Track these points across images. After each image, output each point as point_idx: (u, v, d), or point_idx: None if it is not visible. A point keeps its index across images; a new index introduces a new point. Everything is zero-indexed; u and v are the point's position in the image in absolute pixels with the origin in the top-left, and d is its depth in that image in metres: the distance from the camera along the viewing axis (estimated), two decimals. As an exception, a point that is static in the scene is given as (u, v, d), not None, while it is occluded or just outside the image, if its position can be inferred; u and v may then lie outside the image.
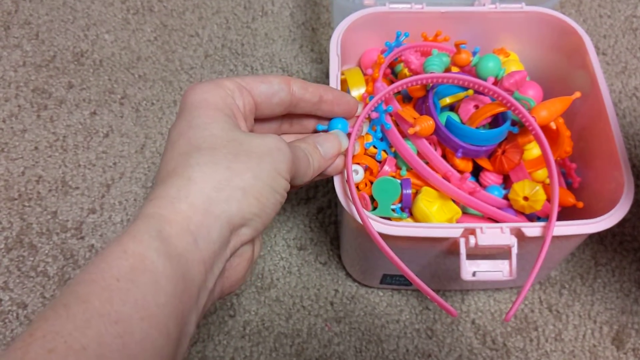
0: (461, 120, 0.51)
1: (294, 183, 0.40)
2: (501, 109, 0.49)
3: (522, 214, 0.52)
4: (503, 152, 0.51)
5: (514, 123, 0.51)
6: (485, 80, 0.53)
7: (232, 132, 0.36)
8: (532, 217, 0.53)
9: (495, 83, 0.54)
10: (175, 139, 0.36)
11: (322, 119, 0.46)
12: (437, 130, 0.50)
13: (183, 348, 0.31)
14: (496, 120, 0.52)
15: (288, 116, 0.45)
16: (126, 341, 0.27)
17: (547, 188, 0.52)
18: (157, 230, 0.31)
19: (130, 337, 0.27)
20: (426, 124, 0.48)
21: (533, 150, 0.53)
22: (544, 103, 0.50)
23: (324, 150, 0.43)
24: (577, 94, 0.50)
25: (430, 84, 0.52)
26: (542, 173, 0.52)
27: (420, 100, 0.54)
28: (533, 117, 0.47)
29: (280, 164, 0.36)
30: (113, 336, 0.26)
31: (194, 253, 0.31)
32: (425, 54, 0.58)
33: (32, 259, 0.63)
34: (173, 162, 0.34)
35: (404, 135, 0.50)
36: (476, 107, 0.50)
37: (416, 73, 0.54)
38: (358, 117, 0.46)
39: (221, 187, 0.33)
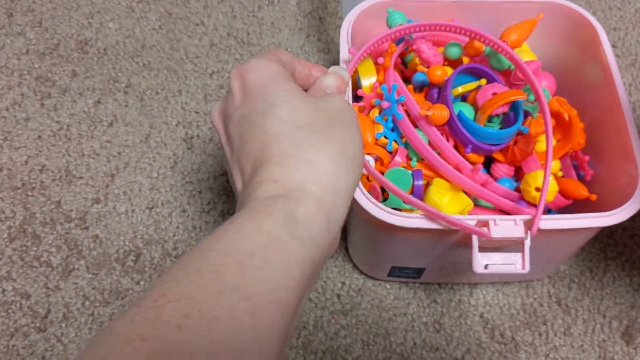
0: (475, 108, 0.50)
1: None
2: (516, 97, 0.48)
3: (534, 206, 0.52)
4: (515, 143, 0.50)
5: (526, 115, 0.51)
6: (495, 71, 0.52)
7: (308, 100, 0.35)
8: (545, 210, 0.53)
9: (509, 73, 0.53)
10: (260, 120, 0.34)
11: None
12: (450, 122, 0.49)
13: (289, 334, 0.30)
14: (508, 119, 0.51)
15: None
16: (257, 322, 0.26)
17: (560, 180, 0.51)
18: (291, 211, 0.30)
19: (260, 318, 0.26)
20: (440, 112, 0.47)
21: (544, 143, 0.52)
22: (512, 27, 0.52)
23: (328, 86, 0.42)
24: (541, 15, 0.52)
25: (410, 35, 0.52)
26: (554, 165, 0.52)
27: (432, 90, 0.53)
28: (504, 41, 0.48)
29: (357, 124, 0.36)
30: (245, 313, 0.26)
31: (325, 237, 0.31)
32: (437, 43, 0.57)
33: (35, 248, 0.62)
34: (274, 143, 0.33)
35: (416, 126, 0.50)
36: (494, 94, 0.49)
37: (427, 63, 0.53)
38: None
39: (339, 163, 0.33)
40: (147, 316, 0.24)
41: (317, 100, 0.35)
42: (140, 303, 0.25)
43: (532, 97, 0.50)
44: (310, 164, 0.32)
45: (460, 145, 0.50)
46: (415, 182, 0.49)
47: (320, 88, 0.40)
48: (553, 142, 0.52)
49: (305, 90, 0.41)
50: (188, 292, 0.25)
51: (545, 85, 0.54)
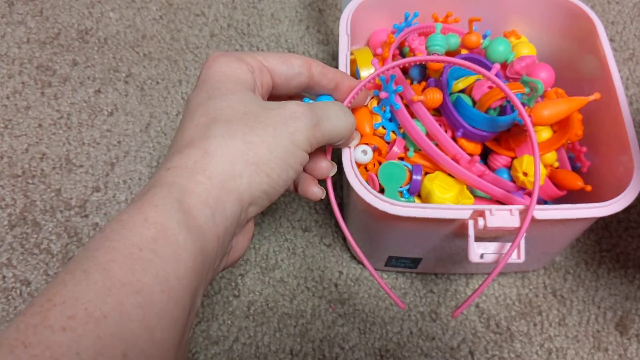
0: (473, 101, 0.51)
1: (335, 144, 0.41)
2: (512, 91, 0.48)
3: (529, 195, 0.52)
4: (509, 131, 0.51)
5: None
6: (493, 63, 0.53)
7: (251, 104, 0.35)
8: (539, 201, 0.53)
9: (505, 66, 0.54)
10: (193, 109, 0.35)
11: None
12: (443, 106, 0.49)
13: (191, 321, 0.31)
14: (505, 111, 0.52)
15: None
16: (146, 312, 0.26)
17: (556, 171, 0.52)
18: (178, 200, 0.30)
19: (150, 308, 0.27)
20: (433, 95, 0.48)
21: (542, 133, 0.53)
22: (547, 102, 0.48)
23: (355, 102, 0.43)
24: (597, 95, 0.49)
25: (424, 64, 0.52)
26: (551, 156, 0.52)
27: (430, 83, 0.53)
28: (530, 116, 0.46)
29: (297, 135, 0.35)
30: (134, 306, 0.26)
31: (211, 227, 0.31)
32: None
33: (35, 236, 0.62)
34: (190, 132, 0.34)
35: (414, 116, 0.50)
36: (490, 88, 0.49)
37: (415, 53, 0.54)
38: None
39: (236, 161, 0.33)
40: (31, 322, 0.25)
41: (260, 107, 0.35)
42: (26, 310, 0.26)
43: (527, 90, 0.50)
44: (206, 154, 0.32)
45: (452, 129, 0.51)
46: (414, 177, 0.50)
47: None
48: (550, 133, 0.53)
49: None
50: (75, 293, 0.26)
51: (543, 77, 0.54)
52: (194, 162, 0.32)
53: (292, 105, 0.36)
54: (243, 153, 0.33)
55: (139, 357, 0.26)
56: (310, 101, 0.44)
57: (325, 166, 0.42)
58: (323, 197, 0.42)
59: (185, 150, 0.33)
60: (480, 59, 0.52)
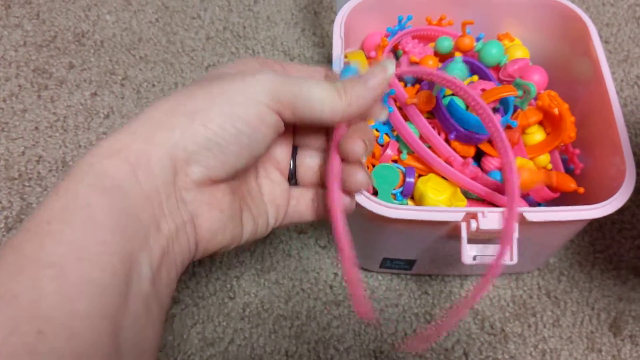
0: (466, 104, 0.51)
1: (305, 118, 0.33)
2: (505, 94, 0.49)
3: (523, 198, 0.52)
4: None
5: (515, 109, 0.52)
6: (486, 66, 0.53)
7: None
8: (532, 203, 0.53)
9: (498, 69, 0.54)
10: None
11: None
12: (436, 109, 0.50)
13: (138, 291, 0.28)
14: (497, 112, 0.52)
15: None
16: (62, 283, 0.25)
17: (549, 173, 0.52)
18: (90, 163, 0.28)
19: (65, 279, 0.25)
20: (426, 99, 0.48)
21: (535, 135, 0.53)
22: (531, 172, 0.48)
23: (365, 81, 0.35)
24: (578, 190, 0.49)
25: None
26: (544, 158, 0.53)
27: (423, 85, 0.54)
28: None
29: (253, 86, 0.31)
30: (47, 280, 0.25)
31: (134, 185, 0.28)
32: (424, 38, 0.57)
33: (32, 238, 0.63)
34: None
35: (407, 119, 0.50)
36: (483, 90, 0.50)
37: (409, 56, 0.54)
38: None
39: (169, 113, 0.30)
40: None
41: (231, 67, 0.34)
42: None
43: (520, 93, 0.51)
44: (140, 112, 0.30)
45: (445, 132, 0.51)
46: (407, 179, 0.50)
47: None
48: (543, 135, 0.53)
49: None
50: None
51: (536, 79, 0.54)
52: (124, 126, 0.30)
53: (253, 59, 0.34)
54: (180, 104, 0.30)
55: (58, 330, 0.24)
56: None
57: (361, 178, 0.36)
58: (368, 186, 0.37)
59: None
60: (473, 62, 0.53)
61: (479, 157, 0.53)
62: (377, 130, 0.51)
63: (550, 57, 0.59)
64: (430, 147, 0.50)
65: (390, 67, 0.35)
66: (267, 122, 0.32)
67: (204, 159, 0.30)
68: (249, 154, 0.32)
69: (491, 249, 0.46)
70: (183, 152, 0.30)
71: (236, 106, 0.30)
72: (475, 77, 0.53)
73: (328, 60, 0.76)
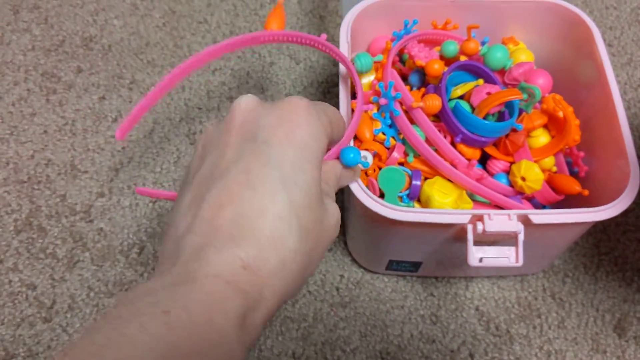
0: (472, 107, 0.52)
1: None
2: (510, 97, 0.49)
3: (528, 201, 0.53)
4: (507, 136, 0.51)
5: (520, 112, 0.52)
6: (491, 70, 0.54)
7: (316, 203, 0.32)
8: (537, 205, 0.54)
9: (503, 73, 0.55)
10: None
11: None
12: (442, 112, 0.50)
13: None
14: (503, 116, 0.52)
15: None
16: None
17: (553, 176, 0.53)
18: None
19: None
20: (432, 102, 0.48)
21: (540, 138, 0.53)
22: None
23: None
24: None
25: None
26: (549, 161, 0.53)
27: (429, 89, 0.54)
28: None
29: (330, 244, 0.34)
30: None
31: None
32: (430, 42, 0.58)
33: (41, 241, 0.63)
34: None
35: (413, 122, 0.51)
36: (488, 94, 0.50)
37: (415, 60, 0.55)
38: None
39: (286, 264, 0.29)
40: None
41: (321, 211, 0.33)
42: None
43: (525, 96, 0.51)
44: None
45: (451, 135, 0.51)
46: (413, 182, 0.50)
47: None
48: (547, 138, 0.54)
49: None
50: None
51: (541, 83, 0.55)
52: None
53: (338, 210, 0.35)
54: (293, 260, 0.29)
55: None
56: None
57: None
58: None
59: (259, 238, 0.29)
60: (478, 65, 0.53)
61: (484, 160, 0.54)
62: (383, 133, 0.52)
63: (554, 60, 0.60)
64: (436, 150, 0.50)
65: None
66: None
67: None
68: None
69: (497, 251, 0.47)
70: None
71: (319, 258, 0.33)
72: (481, 81, 0.53)
73: (334, 64, 0.77)
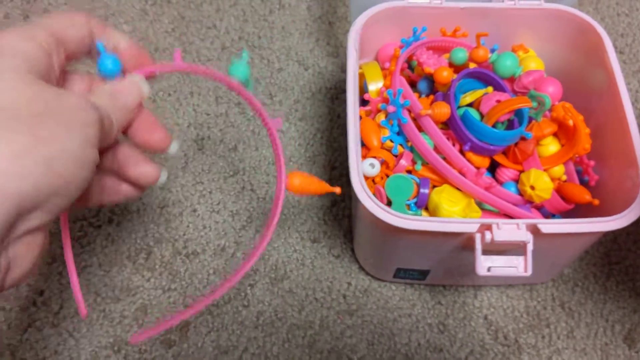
0: (481, 115, 0.51)
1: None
2: (520, 105, 0.49)
3: (538, 210, 0.53)
4: (516, 144, 0.51)
5: (530, 121, 0.52)
6: (501, 77, 0.53)
7: (36, 85, 0.30)
8: (547, 215, 0.53)
9: (513, 80, 0.54)
10: None
11: None
12: (451, 120, 0.50)
13: None
14: (512, 124, 0.52)
15: None
16: None
17: (563, 185, 0.52)
18: None
19: None
20: (440, 109, 0.48)
21: (550, 147, 0.53)
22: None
23: (124, 102, 0.37)
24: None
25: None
26: (558, 170, 0.53)
27: (438, 96, 0.54)
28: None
29: (89, 130, 0.31)
30: None
31: None
32: (439, 49, 0.58)
33: (49, 246, 0.63)
34: None
35: (421, 130, 0.51)
36: (498, 102, 0.50)
37: (423, 67, 0.54)
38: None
39: (20, 157, 0.27)
40: None
41: (48, 91, 0.30)
42: None
43: (535, 104, 0.51)
44: None
45: (459, 143, 0.51)
46: (421, 190, 0.50)
47: (110, 95, 0.36)
48: (557, 146, 0.53)
49: None
50: None
51: (551, 91, 0.54)
52: None
53: (79, 97, 0.32)
54: (30, 149, 0.28)
55: None
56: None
57: (150, 170, 0.39)
58: (162, 179, 0.39)
59: None
60: (488, 73, 0.53)
61: (493, 168, 0.53)
62: (391, 140, 0.52)
63: (564, 68, 0.59)
64: (444, 158, 0.50)
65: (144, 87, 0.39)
66: (97, 163, 0.32)
67: (50, 206, 0.30)
68: (79, 195, 0.32)
69: (505, 261, 0.46)
70: (32, 200, 0.29)
71: (83, 155, 0.31)
72: (490, 89, 0.53)
73: (342, 70, 0.77)
